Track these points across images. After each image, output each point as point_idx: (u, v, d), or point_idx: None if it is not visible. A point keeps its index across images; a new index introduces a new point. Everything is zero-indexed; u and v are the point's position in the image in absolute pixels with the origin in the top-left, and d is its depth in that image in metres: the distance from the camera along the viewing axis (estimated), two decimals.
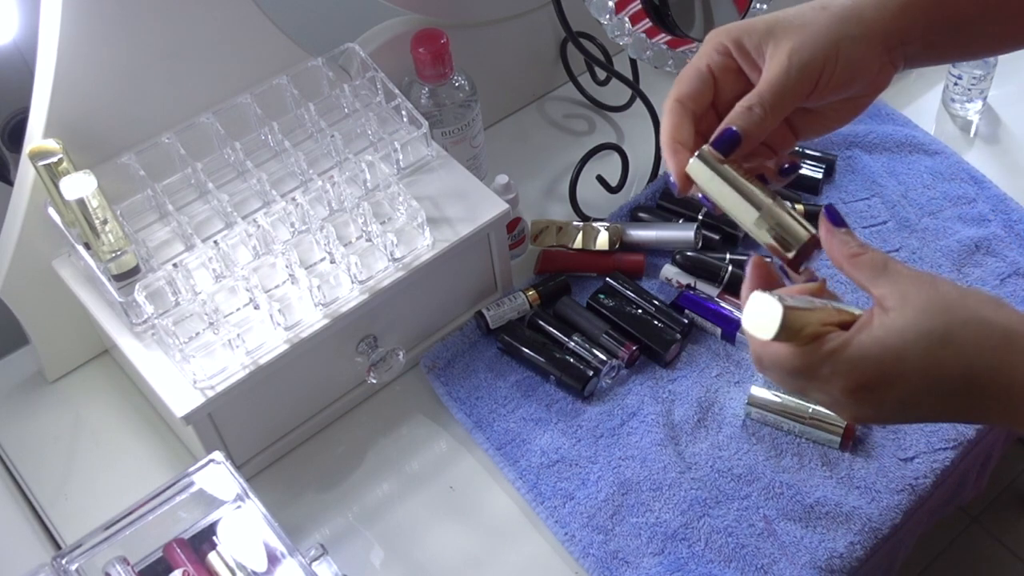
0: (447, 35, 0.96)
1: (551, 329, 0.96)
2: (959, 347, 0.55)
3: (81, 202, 0.80)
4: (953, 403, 0.56)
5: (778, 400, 0.88)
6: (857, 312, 0.58)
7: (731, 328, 0.95)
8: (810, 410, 0.87)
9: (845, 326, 0.57)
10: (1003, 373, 0.55)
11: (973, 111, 1.16)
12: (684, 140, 0.64)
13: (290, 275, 0.86)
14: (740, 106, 0.62)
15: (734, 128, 0.62)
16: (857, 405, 0.57)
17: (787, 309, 0.54)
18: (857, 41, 0.62)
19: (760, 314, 0.55)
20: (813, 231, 0.60)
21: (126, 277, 0.85)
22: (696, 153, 0.62)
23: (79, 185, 0.80)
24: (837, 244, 0.61)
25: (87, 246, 0.83)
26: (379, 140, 0.95)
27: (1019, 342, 0.56)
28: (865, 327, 0.56)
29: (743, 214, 0.61)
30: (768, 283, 0.61)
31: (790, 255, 0.61)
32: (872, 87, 0.65)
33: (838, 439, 0.87)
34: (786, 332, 0.55)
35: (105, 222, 0.82)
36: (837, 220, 0.62)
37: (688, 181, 0.63)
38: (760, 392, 0.89)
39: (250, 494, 0.76)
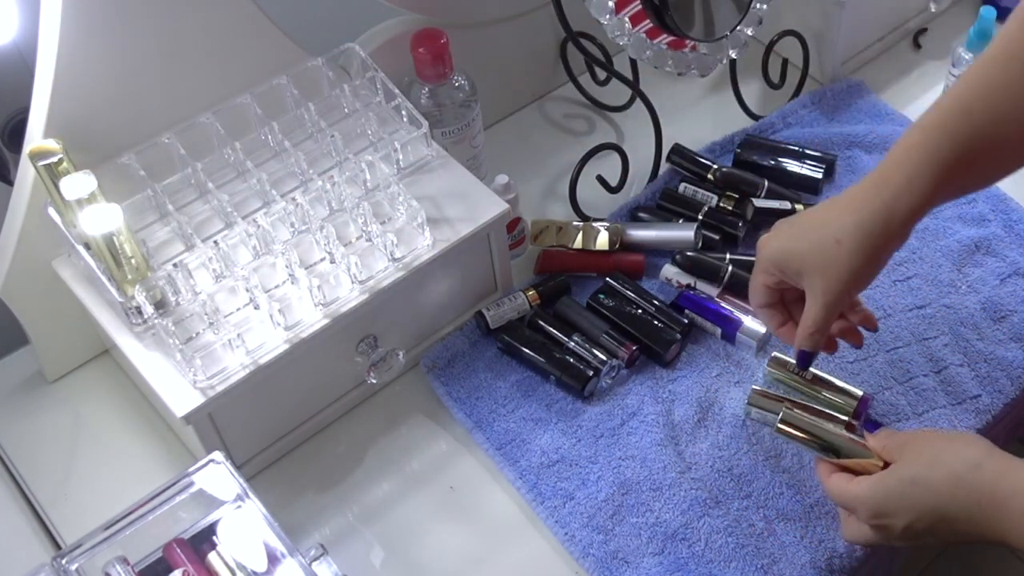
0: (447, 35, 0.96)
1: (551, 329, 0.96)
2: (926, 487, 0.72)
3: (108, 238, 0.80)
4: (942, 528, 0.72)
5: (778, 400, 0.88)
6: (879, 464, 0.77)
7: (731, 328, 0.95)
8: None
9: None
10: (961, 503, 0.71)
11: None
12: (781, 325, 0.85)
13: (290, 275, 0.86)
14: (803, 331, 0.80)
15: (805, 350, 0.80)
16: (877, 532, 0.76)
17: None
18: (878, 263, 0.77)
19: None
20: (878, 464, 0.78)
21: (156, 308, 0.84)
22: (780, 419, 0.82)
23: (99, 214, 0.80)
24: (874, 446, 0.79)
25: (111, 278, 0.83)
26: (379, 140, 0.95)
27: (971, 474, 0.71)
28: (877, 477, 0.75)
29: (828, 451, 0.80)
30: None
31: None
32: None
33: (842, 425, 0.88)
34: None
35: (131, 257, 0.82)
36: (873, 426, 0.88)
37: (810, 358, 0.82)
38: (761, 391, 0.89)
39: (250, 494, 0.76)
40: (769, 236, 0.81)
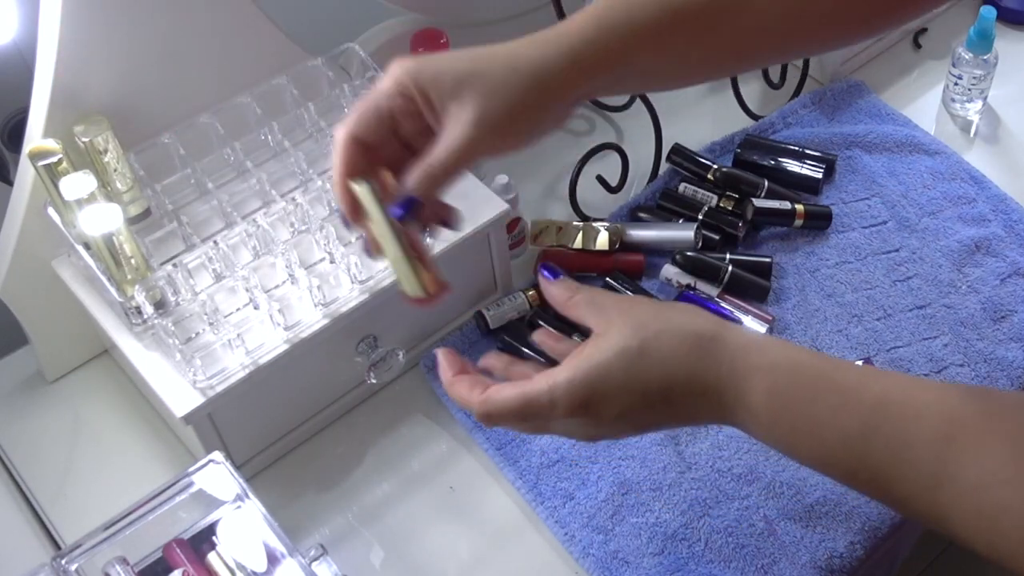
0: (447, 35, 0.96)
1: (551, 329, 0.95)
2: (654, 359, 0.61)
3: (108, 238, 0.80)
4: (665, 410, 0.62)
5: None
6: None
7: None
8: None
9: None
10: (697, 378, 0.61)
11: (973, 111, 1.16)
12: (358, 176, 0.66)
13: (290, 275, 0.86)
14: (422, 171, 0.63)
15: (416, 197, 0.64)
16: (583, 425, 0.63)
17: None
18: (546, 108, 0.64)
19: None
20: (421, 293, 0.65)
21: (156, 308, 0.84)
22: (368, 184, 0.65)
23: (99, 214, 0.80)
24: (554, 294, 0.68)
25: (110, 278, 0.83)
26: None
27: (708, 346, 0.61)
28: (578, 355, 0.62)
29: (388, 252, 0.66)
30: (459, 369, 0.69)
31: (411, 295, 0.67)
32: (551, 130, 0.67)
33: None
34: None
35: (131, 258, 0.83)
36: (553, 273, 0.70)
37: (356, 213, 0.65)
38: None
39: (250, 494, 0.76)
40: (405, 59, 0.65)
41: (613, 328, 0.63)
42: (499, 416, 0.64)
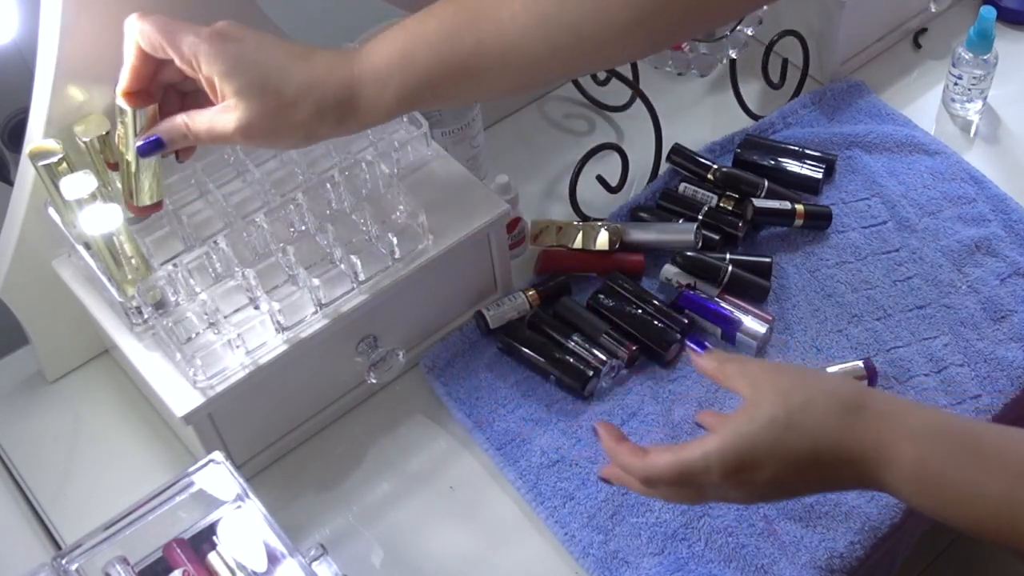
0: None
1: (551, 329, 0.96)
2: (801, 429, 0.64)
3: (108, 238, 0.80)
4: (814, 477, 0.65)
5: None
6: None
7: (731, 328, 0.95)
8: (828, 373, 0.89)
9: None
10: (844, 447, 0.64)
11: (973, 111, 1.16)
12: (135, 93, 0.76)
13: (290, 275, 0.86)
14: (177, 130, 0.75)
15: (164, 142, 0.75)
16: (737, 489, 0.66)
17: None
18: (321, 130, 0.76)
19: None
20: (148, 202, 0.80)
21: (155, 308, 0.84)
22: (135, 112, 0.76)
23: (99, 214, 0.80)
24: (704, 366, 0.72)
25: (110, 278, 0.83)
26: (379, 140, 0.95)
27: (854, 415, 0.64)
28: (730, 422, 0.65)
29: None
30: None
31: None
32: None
33: (865, 382, 0.89)
34: None
35: (131, 258, 0.82)
36: (701, 346, 0.75)
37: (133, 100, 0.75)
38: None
39: (250, 494, 0.76)
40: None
41: (762, 398, 0.66)
42: (658, 480, 0.67)
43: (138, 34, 0.73)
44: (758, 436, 0.64)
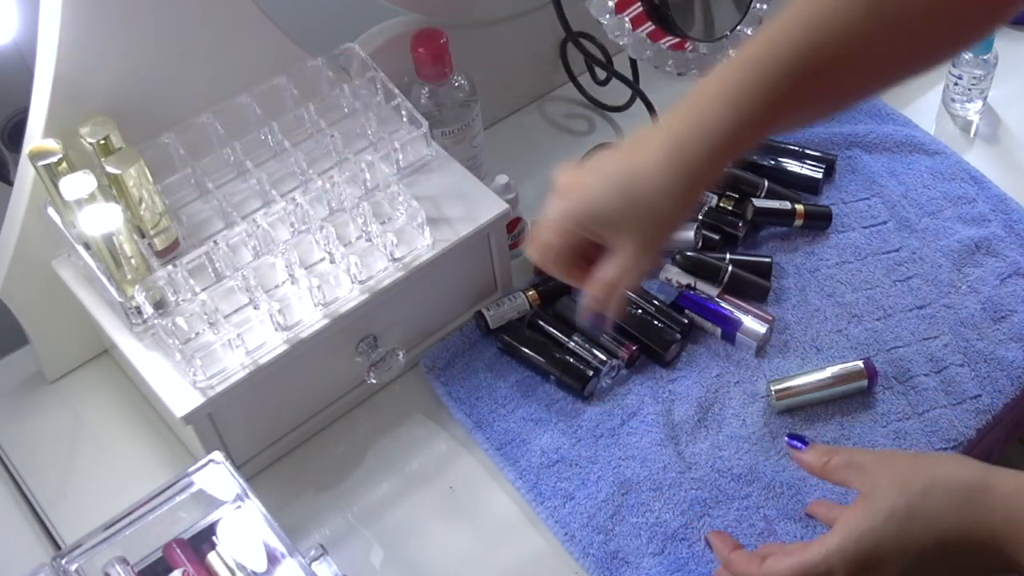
0: (447, 35, 0.96)
1: (551, 329, 0.96)
2: (924, 518, 0.62)
3: (108, 238, 0.80)
4: (943, 566, 0.62)
5: (799, 382, 0.90)
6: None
7: (731, 328, 0.95)
8: (828, 373, 0.90)
9: None
10: (971, 532, 0.61)
11: (973, 111, 1.16)
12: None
13: (290, 275, 0.86)
14: (599, 288, 0.69)
15: (601, 313, 0.70)
16: None
17: None
18: (693, 203, 0.68)
19: None
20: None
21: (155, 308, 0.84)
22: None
23: (99, 214, 0.80)
24: (809, 462, 0.70)
25: (110, 278, 0.83)
26: (379, 140, 0.95)
27: (978, 498, 0.61)
28: (849, 518, 0.63)
29: None
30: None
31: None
32: None
33: (866, 381, 0.90)
34: None
35: (131, 258, 0.82)
36: (803, 442, 0.72)
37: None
38: (778, 383, 0.90)
39: (250, 494, 0.76)
40: (569, 185, 0.70)
41: (879, 491, 0.63)
42: None
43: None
44: (880, 531, 0.61)
